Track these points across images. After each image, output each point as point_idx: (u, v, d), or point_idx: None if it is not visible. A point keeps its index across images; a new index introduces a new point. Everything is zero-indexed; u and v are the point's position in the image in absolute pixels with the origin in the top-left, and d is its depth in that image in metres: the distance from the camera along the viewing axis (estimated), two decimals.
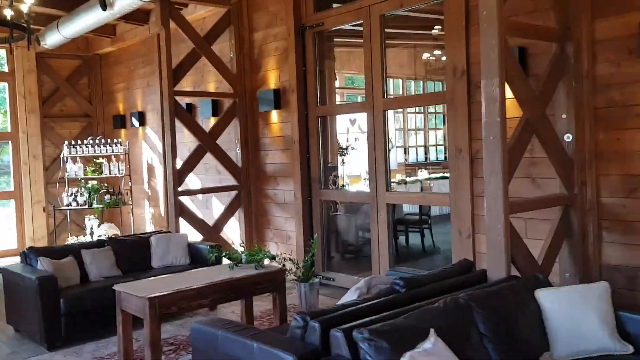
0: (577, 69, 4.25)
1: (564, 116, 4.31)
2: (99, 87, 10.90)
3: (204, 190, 7.73)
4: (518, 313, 3.17)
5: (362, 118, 7.92)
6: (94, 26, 7.55)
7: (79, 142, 9.43)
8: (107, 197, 9.51)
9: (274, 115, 7.17)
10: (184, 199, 8.31)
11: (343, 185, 8.56)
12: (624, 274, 4.25)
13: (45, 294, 4.86)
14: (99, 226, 9.56)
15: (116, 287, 4.48)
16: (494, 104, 3.63)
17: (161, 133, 8.57)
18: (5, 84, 9.98)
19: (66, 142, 9.44)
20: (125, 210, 10.14)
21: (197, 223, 7.24)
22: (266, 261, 4.98)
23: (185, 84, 8.54)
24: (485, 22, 3.65)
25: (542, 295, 3.27)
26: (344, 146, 9.31)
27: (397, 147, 12.37)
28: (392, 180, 10.66)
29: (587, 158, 4.31)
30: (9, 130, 10.08)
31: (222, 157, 7.38)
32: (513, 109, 4.11)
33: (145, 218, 10.10)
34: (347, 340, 2.64)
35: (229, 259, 4.93)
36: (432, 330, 2.65)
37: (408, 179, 10.30)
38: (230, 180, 7.54)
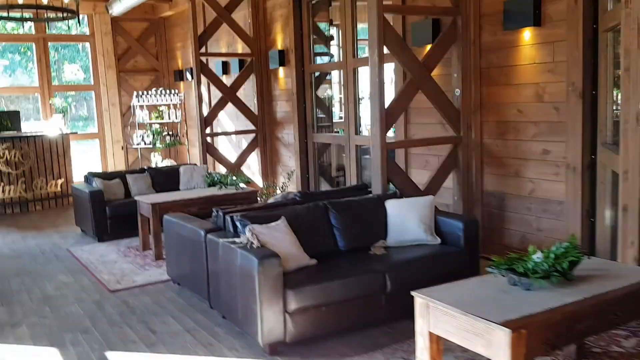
0: (465, 38, 5.42)
1: (455, 75, 5.53)
2: (164, 46, 12.86)
3: (226, 133, 9.55)
4: (368, 214, 4.63)
5: None
6: None
7: (145, 93, 11.51)
8: (167, 138, 11.63)
9: (281, 71, 8.71)
10: (223, 141, 10.26)
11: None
12: (496, 197, 5.51)
13: (95, 203, 6.92)
14: (162, 161, 11.75)
15: (136, 198, 6.41)
16: (375, 68, 4.98)
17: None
18: (88, 45, 12.23)
19: (135, 93, 11.55)
20: (185, 149, 12.24)
21: (221, 159, 9.07)
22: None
23: (222, 44, 10.25)
24: (369, 6, 4.95)
25: (389, 204, 4.70)
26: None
27: None
28: None
29: (472, 108, 5.53)
30: (92, 83, 12.39)
31: (241, 106, 9.08)
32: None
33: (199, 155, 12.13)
34: (232, 222, 4.28)
35: (218, 182, 6.69)
36: (282, 217, 4.22)
37: None
38: (250, 126, 9.25)
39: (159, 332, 4.13)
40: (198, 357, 3.70)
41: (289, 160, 8.85)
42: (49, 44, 11.83)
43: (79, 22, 7.24)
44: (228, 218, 4.32)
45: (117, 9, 10.51)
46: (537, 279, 2.77)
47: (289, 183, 6.90)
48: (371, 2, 4.91)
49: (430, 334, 2.84)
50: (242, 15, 9.18)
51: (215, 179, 6.79)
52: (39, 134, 9.55)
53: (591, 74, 4.56)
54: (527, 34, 4.98)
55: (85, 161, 13.03)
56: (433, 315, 2.81)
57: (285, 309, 3.64)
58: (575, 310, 2.60)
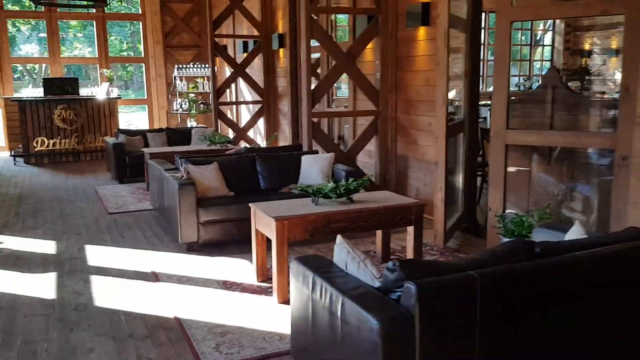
0: (384, 32, 6.83)
1: (377, 62, 6.96)
2: (206, 25, 14.72)
3: (234, 102, 11.39)
4: (286, 165, 6.24)
5: None
6: None
7: (184, 66, 13.50)
8: (201, 106, 13.62)
9: (281, 52, 10.34)
10: (244, 110, 12.10)
11: None
12: (403, 159, 6.95)
13: (117, 153, 8.95)
14: (196, 125, 13.78)
15: (144, 149, 8.36)
16: (304, 54, 6.53)
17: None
18: (140, 23, 14.35)
19: (176, 66, 13.57)
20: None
21: (230, 124, 10.92)
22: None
23: (244, 26, 11.99)
24: (300, 6, 6.48)
25: (303, 158, 6.29)
26: None
27: None
28: None
29: (389, 88, 6.95)
30: (142, 56, 14.54)
31: (249, 80, 10.82)
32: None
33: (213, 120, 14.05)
34: (181, 163, 6.03)
35: (210, 141, 8.49)
36: (215, 162, 5.93)
37: None
38: (257, 97, 11.01)
39: (126, 237, 6.02)
40: (139, 250, 5.55)
41: (286, 127, 10.53)
42: (107, 22, 14.05)
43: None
44: (180, 160, 6.10)
45: None
46: (319, 197, 4.34)
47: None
48: (302, 4, 6.45)
49: (257, 230, 4.49)
50: (255, 2, 10.86)
51: (209, 138, 8.60)
52: (90, 97, 11.77)
53: None
54: (421, 32, 6.34)
55: (138, 122, 15.33)
56: (257, 217, 4.46)
57: (198, 221, 5.39)
58: (329, 215, 4.16)
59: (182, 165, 5.89)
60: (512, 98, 6.21)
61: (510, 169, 6.18)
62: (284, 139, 10.64)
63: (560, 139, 4.68)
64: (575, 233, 3.22)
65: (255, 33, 11.23)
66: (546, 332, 2.53)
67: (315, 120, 7.70)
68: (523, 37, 14.19)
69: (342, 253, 2.83)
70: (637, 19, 3.88)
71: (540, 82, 6.97)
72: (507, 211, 4.86)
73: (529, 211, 4.14)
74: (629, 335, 2.82)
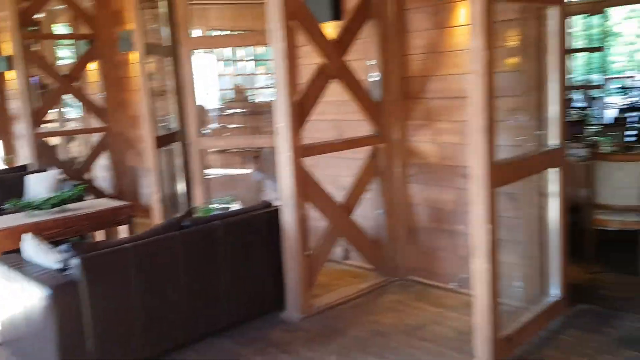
0: (103, 55, 7.43)
1: (99, 83, 7.52)
2: None
3: None
4: (9, 186, 6.45)
5: None
6: None
7: None
8: None
9: (11, 74, 10.13)
10: None
11: None
12: (134, 170, 7.65)
13: None
14: None
15: None
16: (22, 79, 6.79)
17: None
18: None
19: None
20: None
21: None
22: None
23: None
24: (14, 33, 6.75)
25: (29, 178, 6.57)
26: None
27: None
28: None
29: (115, 106, 7.58)
30: None
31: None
32: None
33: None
34: None
35: None
36: None
37: None
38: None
39: None
40: None
41: (22, 149, 10.33)
42: None
43: None
44: None
45: None
46: (31, 209, 4.85)
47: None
48: (14, 31, 6.72)
49: None
50: None
51: None
52: None
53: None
54: (132, 56, 7.12)
55: None
56: None
57: None
58: (40, 224, 4.71)
59: None
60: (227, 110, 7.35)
61: (233, 170, 7.34)
62: (26, 160, 10.43)
63: (241, 142, 5.90)
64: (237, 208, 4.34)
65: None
66: (187, 277, 3.54)
67: (58, 140, 8.01)
68: None
69: (30, 247, 3.47)
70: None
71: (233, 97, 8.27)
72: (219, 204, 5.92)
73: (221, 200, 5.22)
74: (249, 272, 4.01)
